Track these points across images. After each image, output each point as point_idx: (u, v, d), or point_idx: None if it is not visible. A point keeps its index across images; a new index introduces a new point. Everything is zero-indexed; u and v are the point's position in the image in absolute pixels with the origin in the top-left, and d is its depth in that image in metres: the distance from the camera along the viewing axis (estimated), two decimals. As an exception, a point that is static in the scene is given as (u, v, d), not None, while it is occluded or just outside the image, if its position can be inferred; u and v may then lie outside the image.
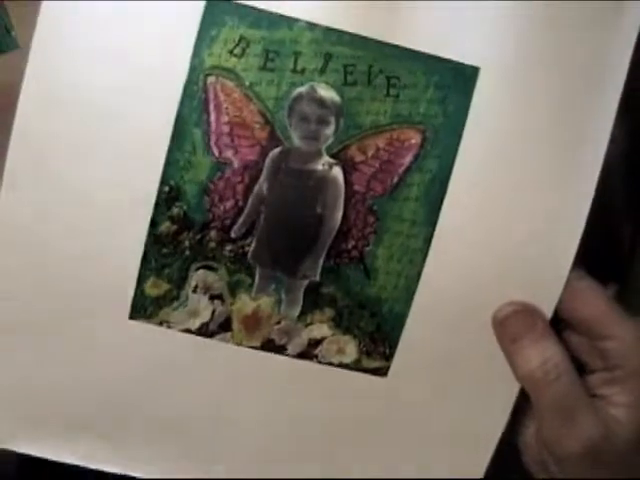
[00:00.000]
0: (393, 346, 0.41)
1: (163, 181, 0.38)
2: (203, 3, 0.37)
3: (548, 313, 0.40)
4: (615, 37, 0.38)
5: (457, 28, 0.38)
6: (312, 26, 0.37)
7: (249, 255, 0.40)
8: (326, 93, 0.38)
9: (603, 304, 0.40)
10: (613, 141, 0.42)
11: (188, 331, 0.40)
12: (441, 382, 0.41)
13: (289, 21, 0.37)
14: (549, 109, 0.39)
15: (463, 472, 0.42)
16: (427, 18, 0.38)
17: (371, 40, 0.38)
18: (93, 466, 0.42)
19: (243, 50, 0.37)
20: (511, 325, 0.40)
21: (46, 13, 0.37)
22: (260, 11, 0.37)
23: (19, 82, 0.40)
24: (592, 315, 0.40)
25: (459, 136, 0.39)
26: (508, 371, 0.40)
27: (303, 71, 0.38)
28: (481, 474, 0.42)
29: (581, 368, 0.41)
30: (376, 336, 0.41)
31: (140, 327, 0.40)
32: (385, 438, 0.42)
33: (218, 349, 0.41)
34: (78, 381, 0.41)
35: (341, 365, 0.41)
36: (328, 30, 0.37)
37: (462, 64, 0.38)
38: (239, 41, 0.37)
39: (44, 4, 0.37)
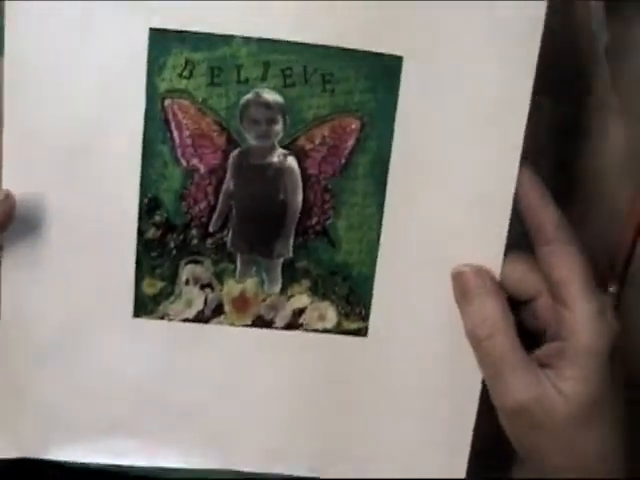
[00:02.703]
0: (367, 306, 0.46)
1: (142, 195, 0.44)
2: (147, 36, 0.42)
3: (497, 260, 0.45)
4: (524, 20, 0.42)
5: (379, 24, 0.42)
6: (247, 40, 0.42)
7: (228, 244, 0.45)
8: (270, 96, 0.43)
9: (577, 272, 0.41)
10: (613, 143, 0.47)
11: (187, 320, 0.46)
12: (416, 335, 0.46)
13: (226, 39, 0.42)
14: (468, 87, 0.43)
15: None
16: (351, 18, 0.42)
17: (303, 44, 0.42)
18: (126, 463, 0.47)
19: (190, 72, 0.42)
20: (462, 281, 0.44)
21: (10, 63, 0.41)
22: (198, 34, 0.42)
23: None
24: (562, 278, 0.42)
25: (392, 118, 0.43)
26: None
27: (247, 81, 0.43)
28: (463, 472, 0.48)
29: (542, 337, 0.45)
30: (351, 299, 0.46)
31: (144, 323, 0.46)
32: (372, 397, 0.47)
33: (215, 332, 0.46)
34: (99, 382, 0.46)
35: (325, 331, 0.47)
36: (262, 41, 0.42)
37: (386, 55, 0.43)
38: (185, 64, 0.42)
39: (6, 57, 0.41)
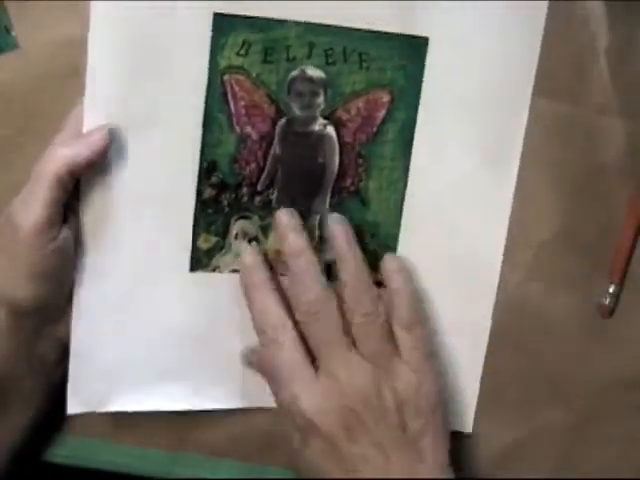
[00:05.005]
0: None
1: (202, 159, 0.50)
2: (211, 19, 0.48)
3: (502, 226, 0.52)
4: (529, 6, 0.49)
5: (408, 10, 0.49)
6: (297, 24, 0.49)
7: (273, 202, 0.52)
8: (314, 73, 0.50)
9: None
10: (613, 143, 0.50)
11: (235, 271, 0.53)
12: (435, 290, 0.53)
13: (278, 22, 0.49)
14: (480, 63, 0.50)
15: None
16: (385, 6, 0.49)
17: (343, 28, 0.49)
18: (174, 408, 0.52)
19: (247, 51, 0.49)
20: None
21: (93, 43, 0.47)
22: (255, 19, 0.49)
23: (19, 81, 0.49)
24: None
25: (419, 92, 0.50)
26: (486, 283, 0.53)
27: (294, 59, 0.49)
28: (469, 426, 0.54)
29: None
30: (379, 254, 0.53)
31: (198, 276, 0.52)
32: None
33: None
34: (151, 333, 0.51)
35: None
36: (309, 25, 0.49)
37: (414, 36, 0.49)
38: (243, 44, 0.49)
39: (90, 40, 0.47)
